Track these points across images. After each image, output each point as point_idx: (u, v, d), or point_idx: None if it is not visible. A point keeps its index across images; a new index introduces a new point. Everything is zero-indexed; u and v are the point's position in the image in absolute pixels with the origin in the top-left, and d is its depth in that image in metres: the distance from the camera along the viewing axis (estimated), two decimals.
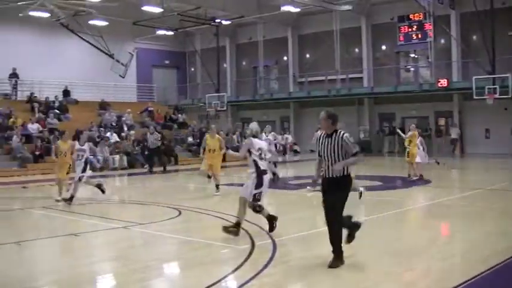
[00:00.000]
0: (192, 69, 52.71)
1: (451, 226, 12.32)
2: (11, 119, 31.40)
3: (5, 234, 11.88)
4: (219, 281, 7.72)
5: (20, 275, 8.58)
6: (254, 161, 10.43)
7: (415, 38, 37.90)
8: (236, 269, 8.25)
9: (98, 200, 16.93)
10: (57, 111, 35.20)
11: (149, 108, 40.05)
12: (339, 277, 7.83)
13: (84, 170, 16.19)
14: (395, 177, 20.98)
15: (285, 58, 46.52)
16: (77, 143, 16.44)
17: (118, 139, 33.23)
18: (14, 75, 37.16)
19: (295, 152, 41.62)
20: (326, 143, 8.36)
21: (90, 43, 36.35)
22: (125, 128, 35.56)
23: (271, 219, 10.59)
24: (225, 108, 42.79)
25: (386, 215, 13.63)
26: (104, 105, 38.69)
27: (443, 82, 35.61)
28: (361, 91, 41.31)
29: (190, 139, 37.43)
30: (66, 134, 17.79)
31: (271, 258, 8.72)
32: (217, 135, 18.75)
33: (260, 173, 10.40)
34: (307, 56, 45.74)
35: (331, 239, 8.27)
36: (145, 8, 36.15)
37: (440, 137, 39.13)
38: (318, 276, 7.87)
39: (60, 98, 37.81)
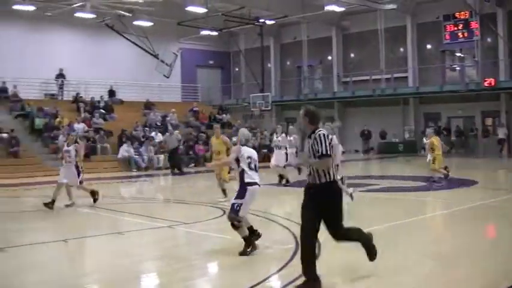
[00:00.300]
0: (236, 69, 52.87)
1: (495, 228, 12.10)
2: (57, 119, 31.84)
3: (52, 232, 12.09)
4: (263, 280, 7.72)
5: (65, 272, 8.75)
6: (242, 171, 9.34)
7: (461, 36, 37.30)
8: (280, 269, 8.24)
9: (143, 199, 17.03)
10: (103, 111, 35.64)
11: (194, 108, 40.28)
12: (380, 278, 7.77)
13: (79, 174, 15.86)
14: (440, 178, 20.65)
15: (329, 58, 46.32)
16: (65, 144, 15.95)
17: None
18: (60, 75, 37.72)
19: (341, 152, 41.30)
20: (306, 144, 7.38)
21: (135, 43, 36.77)
22: (170, 128, 35.76)
23: (248, 242, 9.32)
24: (269, 108, 42.64)
25: (429, 216, 13.50)
26: (148, 105, 39.01)
27: (490, 81, 35.02)
28: (406, 91, 40.89)
29: (234, 139, 37.32)
30: (72, 135, 17.44)
31: None
32: (221, 136, 16.97)
33: (244, 184, 9.30)
34: (352, 55, 45.50)
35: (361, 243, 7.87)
36: (190, 9, 36.27)
37: (487, 137, 38.54)
38: (360, 278, 7.82)
39: (106, 98, 38.27)
